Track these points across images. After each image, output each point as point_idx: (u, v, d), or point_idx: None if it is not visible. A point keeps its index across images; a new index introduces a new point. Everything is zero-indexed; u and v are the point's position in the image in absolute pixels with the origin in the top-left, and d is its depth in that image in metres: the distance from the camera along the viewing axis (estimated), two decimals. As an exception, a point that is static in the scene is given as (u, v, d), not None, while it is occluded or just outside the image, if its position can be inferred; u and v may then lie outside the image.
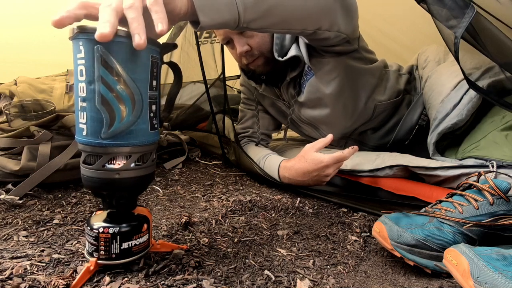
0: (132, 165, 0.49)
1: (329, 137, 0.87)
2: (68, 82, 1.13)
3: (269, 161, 1.00)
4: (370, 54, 1.02)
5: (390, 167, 0.85)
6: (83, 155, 0.49)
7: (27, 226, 0.67)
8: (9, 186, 0.83)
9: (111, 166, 0.48)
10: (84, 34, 0.44)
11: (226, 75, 1.21)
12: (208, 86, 1.20)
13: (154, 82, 0.50)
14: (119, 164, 0.48)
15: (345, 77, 0.96)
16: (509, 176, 0.68)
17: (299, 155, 0.89)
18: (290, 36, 0.96)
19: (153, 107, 0.50)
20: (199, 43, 1.25)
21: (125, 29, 0.45)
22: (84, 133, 0.47)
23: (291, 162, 0.91)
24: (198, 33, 1.38)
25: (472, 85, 0.71)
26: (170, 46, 0.54)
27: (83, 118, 0.46)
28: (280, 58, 0.93)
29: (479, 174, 0.63)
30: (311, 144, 0.88)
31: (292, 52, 0.93)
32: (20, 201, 0.77)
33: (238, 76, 2.32)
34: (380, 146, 1.14)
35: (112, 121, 0.46)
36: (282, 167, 0.93)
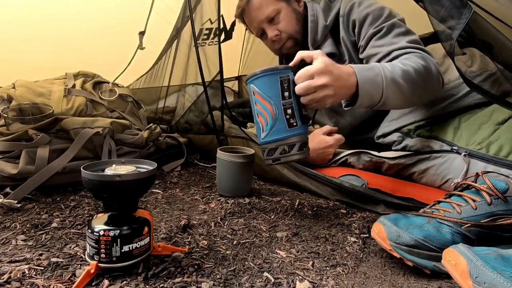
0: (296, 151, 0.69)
1: (335, 128, 1.03)
2: (67, 86, 1.12)
3: None
4: None
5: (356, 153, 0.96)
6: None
7: (25, 230, 0.67)
8: (7, 189, 0.83)
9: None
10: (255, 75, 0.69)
11: (225, 76, 1.23)
12: (207, 86, 1.21)
13: (286, 93, 0.68)
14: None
15: None
16: (507, 176, 0.68)
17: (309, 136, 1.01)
18: (321, 30, 1.04)
19: (289, 111, 0.68)
20: (198, 44, 1.25)
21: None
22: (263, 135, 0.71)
23: None
24: (197, 34, 1.38)
25: (470, 83, 0.72)
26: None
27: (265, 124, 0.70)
28: None
29: (477, 175, 0.63)
30: (319, 129, 1.04)
31: (328, 48, 1.00)
32: (19, 205, 0.77)
33: (236, 78, 2.32)
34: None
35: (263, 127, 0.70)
36: None
